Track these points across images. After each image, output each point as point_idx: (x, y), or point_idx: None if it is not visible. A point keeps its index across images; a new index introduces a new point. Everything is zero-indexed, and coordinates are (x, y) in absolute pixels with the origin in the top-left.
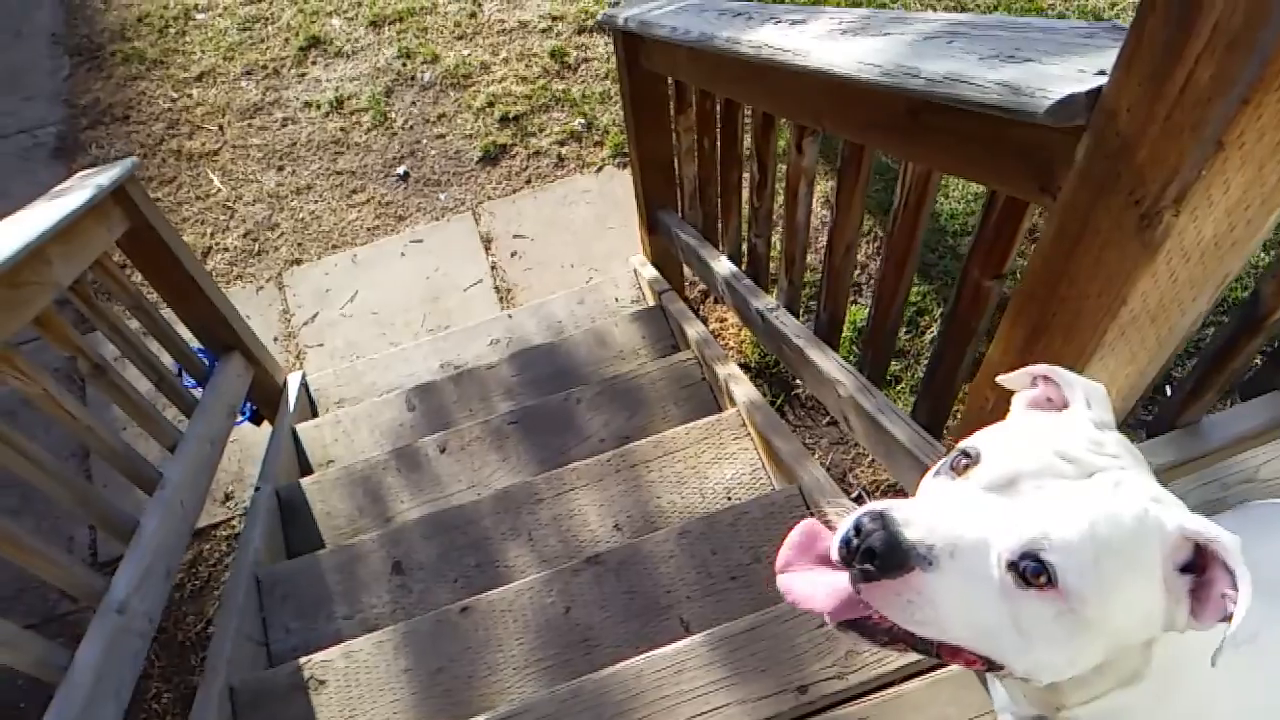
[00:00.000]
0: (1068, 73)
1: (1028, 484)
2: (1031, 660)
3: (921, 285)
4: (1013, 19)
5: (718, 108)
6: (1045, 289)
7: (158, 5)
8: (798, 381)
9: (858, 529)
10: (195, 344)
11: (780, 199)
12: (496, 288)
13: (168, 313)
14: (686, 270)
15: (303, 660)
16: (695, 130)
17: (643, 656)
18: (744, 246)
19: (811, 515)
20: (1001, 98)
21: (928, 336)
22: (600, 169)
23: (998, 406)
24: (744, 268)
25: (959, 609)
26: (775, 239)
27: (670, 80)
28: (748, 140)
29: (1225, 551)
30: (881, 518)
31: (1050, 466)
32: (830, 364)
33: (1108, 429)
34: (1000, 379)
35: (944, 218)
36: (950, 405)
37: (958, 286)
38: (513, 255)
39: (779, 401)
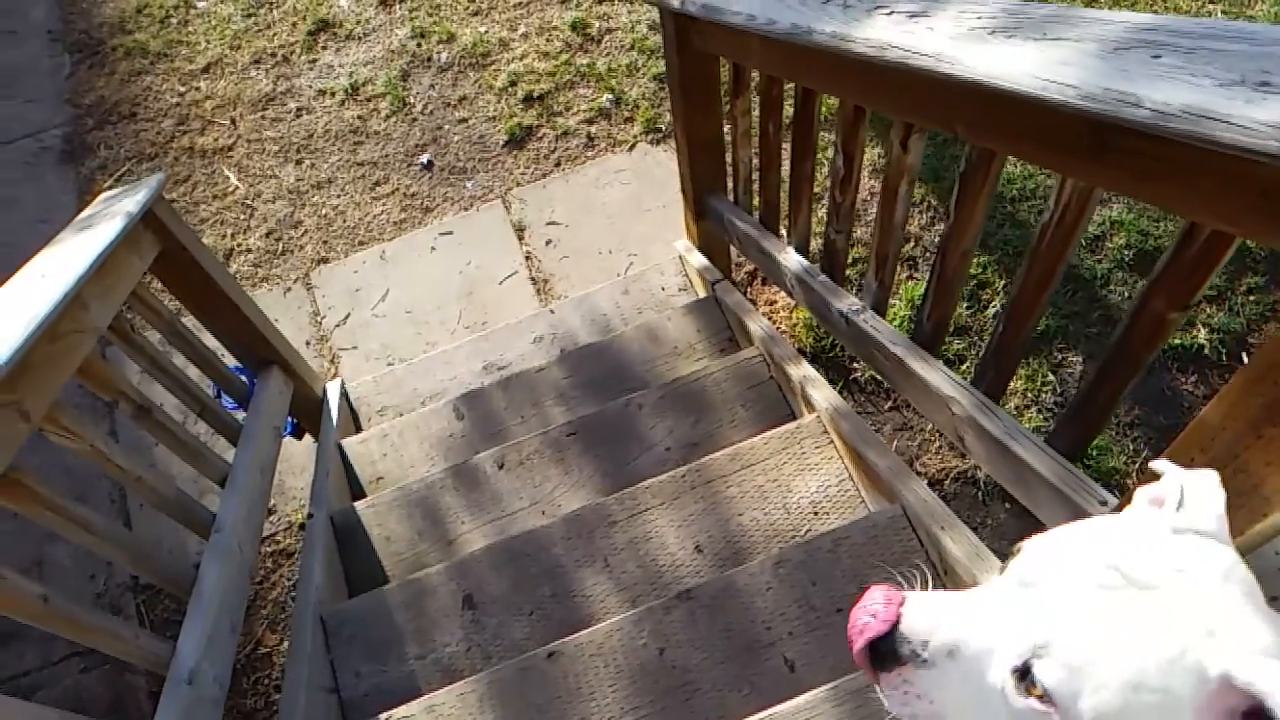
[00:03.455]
0: None
1: (1060, 589)
2: None
3: (981, 256)
4: (1221, 24)
5: (788, 93)
6: None
7: None
8: (856, 365)
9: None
10: (230, 360)
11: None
12: (533, 279)
13: (190, 321)
14: (734, 252)
15: (382, 716)
16: (760, 116)
17: (761, 716)
18: (817, 241)
19: (919, 540)
20: None
21: (990, 311)
22: (633, 147)
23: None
24: (819, 263)
25: (959, 707)
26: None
27: (726, 62)
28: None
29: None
30: (890, 610)
31: (1090, 574)
32: (939, 377)
33: (1196, 536)
34: (1153, 464)
35: (1001, 181)
36: (1096, 436)
37: (1133, 314)
38: (547, 243)
39: (838, 387)
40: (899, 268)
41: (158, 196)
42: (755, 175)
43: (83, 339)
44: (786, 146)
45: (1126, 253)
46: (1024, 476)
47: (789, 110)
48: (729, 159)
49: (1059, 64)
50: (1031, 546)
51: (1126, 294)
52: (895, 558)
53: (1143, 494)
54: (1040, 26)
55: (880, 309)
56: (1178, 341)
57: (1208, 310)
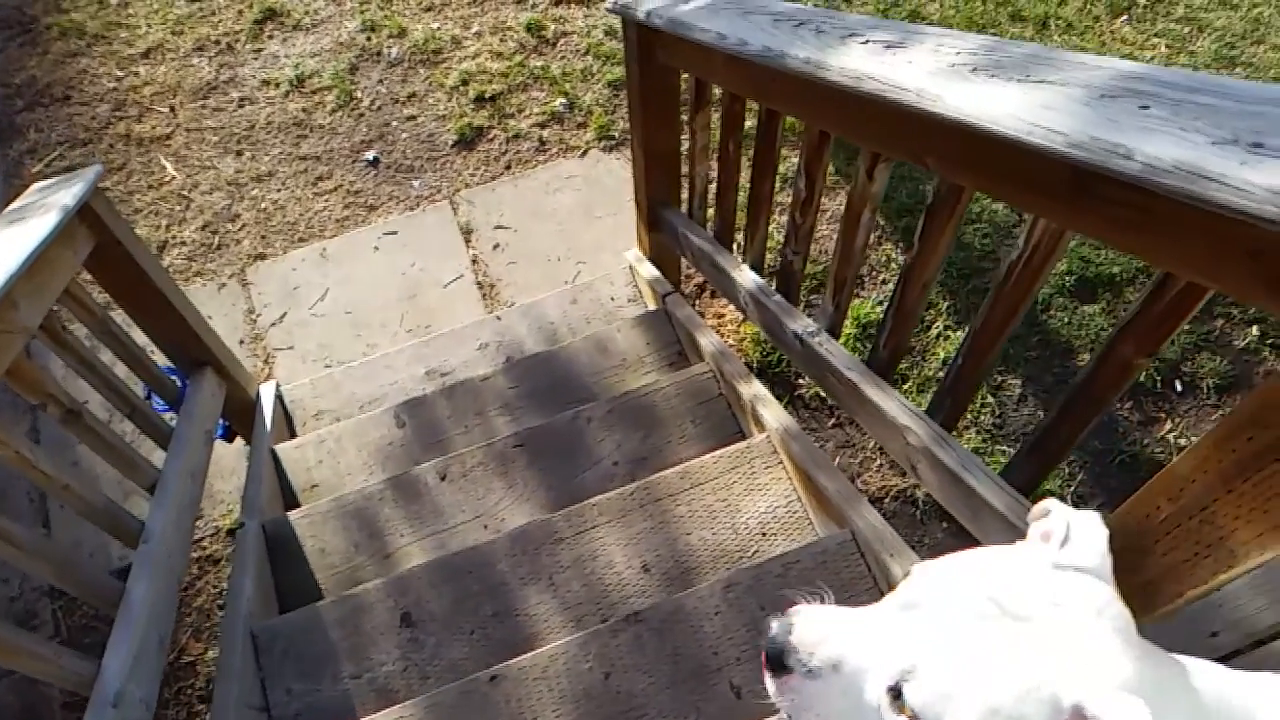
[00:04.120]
0: None
1: (937, 616)
2: None
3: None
4: (1204, 78)
5: (750, 111)
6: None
7: None
8: (801, 381)
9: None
10: (160, 359)
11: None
12: (479, 283)
13: (119, 316)
14: (684, 264)
15: None
16: (721, 132)
17: None
18: (774, 260)
19: (866, 565)
20: (1278, 209)
21: (934, 331)
22: (585, 153)
23: (1169, 521)
24: (773, 283)
25: (840, 717)
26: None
27: (689, 76)
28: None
29: None
30: (787, 623)
31: (969, 604)
32: (895, 406)
33: (1076, 573)
34: (1029, 516)
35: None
36: (1052, 471)
37: (1099, 358)
38: (495, 248)
39: (784, 402)
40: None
41: (94, 189)
42: (712, 191)
43: (12, 339)
44: (745, 163)
45: (1068, 278)
46: (975, 507)
47: (748, 127)
48: (685, 172)
49: (1044, 108)
50: (921, 571)
51: (1067, 319)
52: (843, 583)
53: (1035, 529)
54: (1023, 67)
55: (835, 332)
56: None
57: None
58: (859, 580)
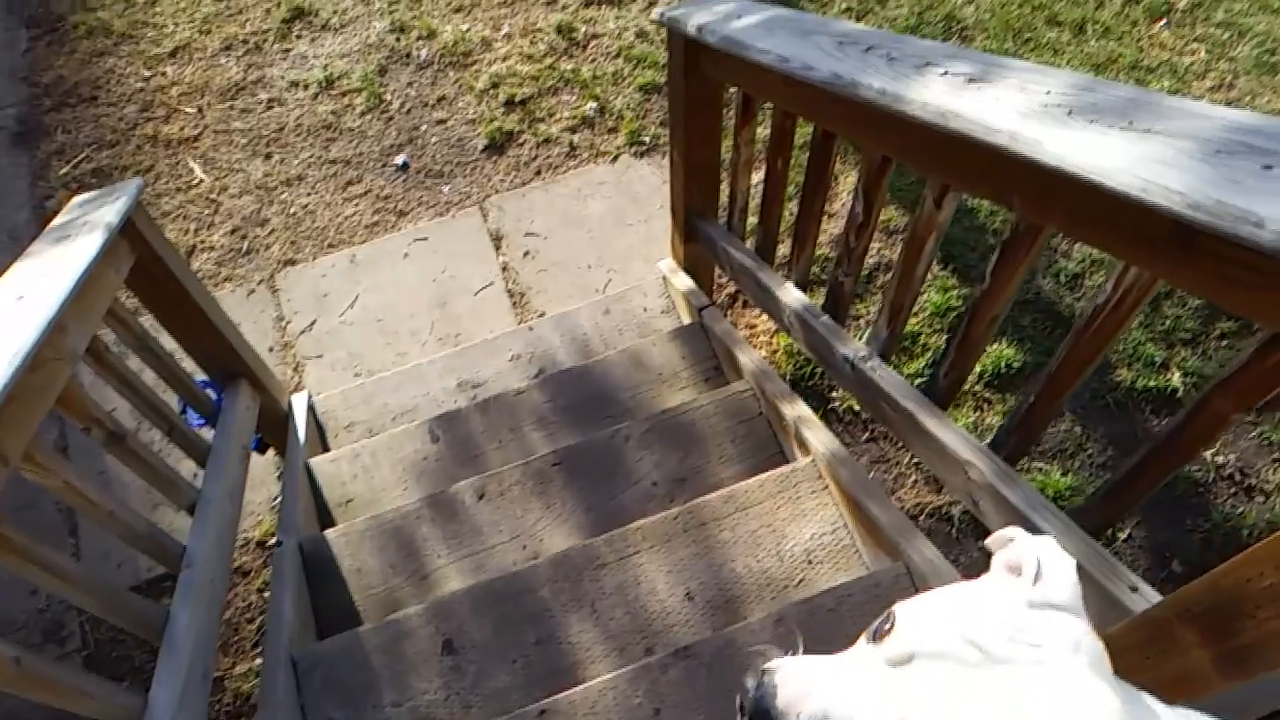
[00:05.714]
0: None
1: (922, 664)
2: None
3: (960, 287)
4: None
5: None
6: None
7: None
8: (835, 393)
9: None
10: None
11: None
12: (509, 291)
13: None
14: (716, 273)
15: None
16: (769, 149)
17: None
18: (821, 278)
19: None
20: None
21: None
22: (615, 159)
23: (1273, 590)
24: (822, 303)
25: None
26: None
27: (736, 90)
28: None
29: None
30: (762, 679)
31: (952, 650)
32: (956, 439)
33: (1052, 609)
34: (987, 541)
35: (983, 214)
36: (1123, 518)
37: (1193, 410)
38: (525, 255)
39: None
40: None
41: (136, 205)
42: (757, 206)
43: (62, 366)
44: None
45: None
46: None
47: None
48: (726, 185)
49: (1156, 163)
50: (901, 615)
51: None
52: None
53: (999, 559)
54: (1122, 112)
55: (887, 356)
56: (1151, 384)
57: (1182, 353)
58: None
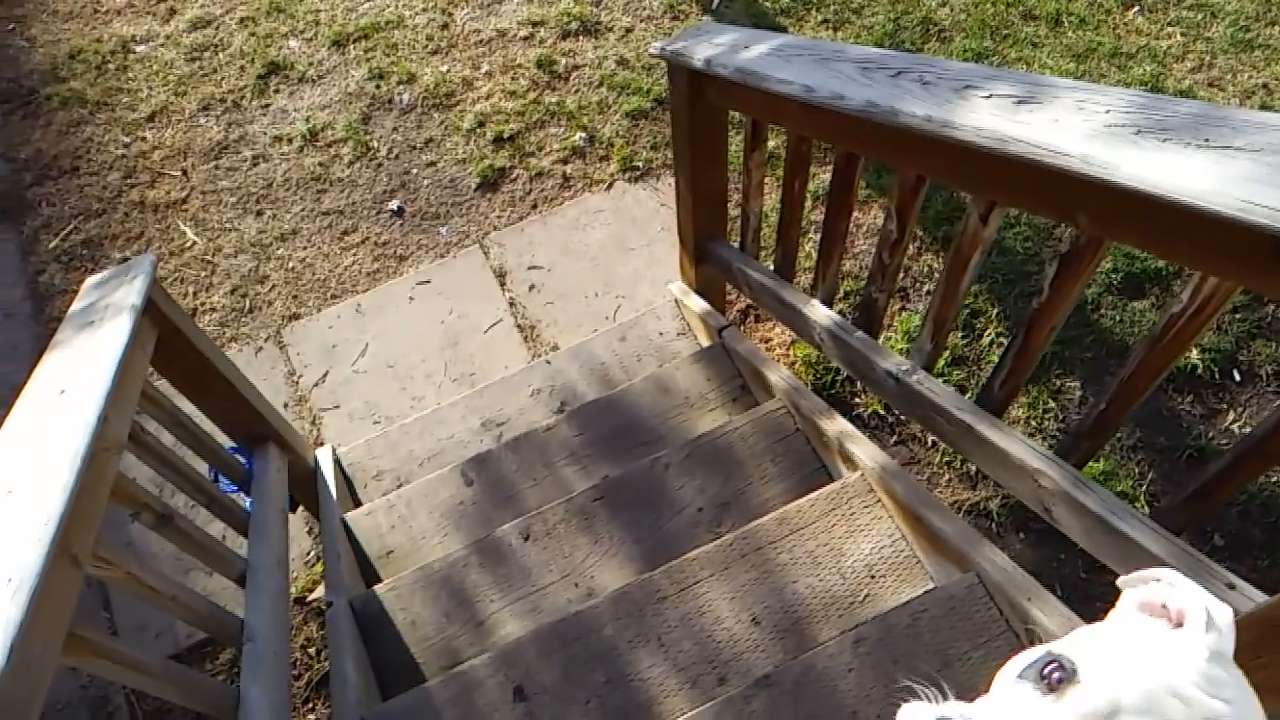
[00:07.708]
0: None
1: None
2: None
3: (976, 284)
4: None
5: (815, 152)
6: None
7: (90, 39)
8: (858, 400)
9: None
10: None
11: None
12: (519, 326)
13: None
14: (728, 289)
15: None
16: (786, 172)
17: None
18: (850, 296)
19: (998, 609)
20: None
21: (985, 339)
22: (610, 186)
23: None
24: (853, 318)
25: None
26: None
27: (745, 117)
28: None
29: None
30: None
31: (1157, 704)
32: (1021, 449)
33: (1225, 664)
34: (1120, 580)
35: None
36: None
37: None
38: (530, 289)
39: None
40: (892, 300)
41: (153, 281)
42: (775, 228)
43: (110, 456)
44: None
45: (1114, 276)
46: (1129, 553)
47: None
48: (735, 208)
49: (1249, 181)
50: (1079, 662)
51: (1118, 317)
52: (976, 628)
53: (1132, 598)
54: (1194, 129)
55: (930, 369)
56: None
57: None
58: (991, 624)
